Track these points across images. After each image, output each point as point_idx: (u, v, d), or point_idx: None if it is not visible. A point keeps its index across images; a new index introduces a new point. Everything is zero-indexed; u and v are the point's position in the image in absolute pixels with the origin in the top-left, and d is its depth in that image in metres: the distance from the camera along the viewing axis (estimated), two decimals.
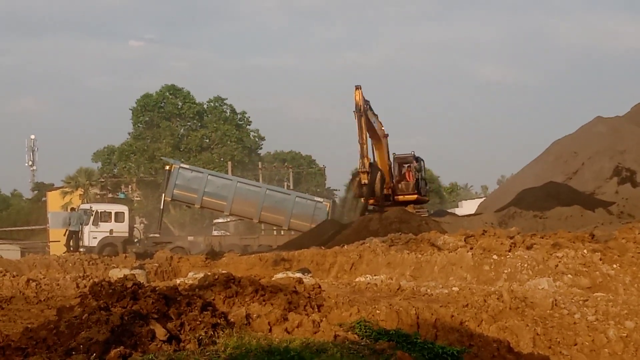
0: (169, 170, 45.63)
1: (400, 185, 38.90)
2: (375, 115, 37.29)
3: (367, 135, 35.51)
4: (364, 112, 35.18)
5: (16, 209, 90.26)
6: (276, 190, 49.81)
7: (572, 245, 18.65)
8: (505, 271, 17.76)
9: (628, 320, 12.23)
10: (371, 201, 37.74)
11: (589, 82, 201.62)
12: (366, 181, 35.25)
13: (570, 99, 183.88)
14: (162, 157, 64.30)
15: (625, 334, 11.94)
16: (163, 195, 46.70)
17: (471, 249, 19.62)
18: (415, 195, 38.72)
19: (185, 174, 45.65)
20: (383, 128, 38.18)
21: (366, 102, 35.91)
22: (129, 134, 78.56)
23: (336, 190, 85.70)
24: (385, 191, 37.97)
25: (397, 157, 39.77)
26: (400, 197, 38.52)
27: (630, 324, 12.11)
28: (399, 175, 39.42)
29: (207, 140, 78.14)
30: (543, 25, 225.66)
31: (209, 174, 47.30)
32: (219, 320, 8.43)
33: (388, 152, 38.69)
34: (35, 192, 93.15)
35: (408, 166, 39.60)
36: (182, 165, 47.64)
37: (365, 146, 35.08)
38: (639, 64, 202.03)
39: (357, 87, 35.30)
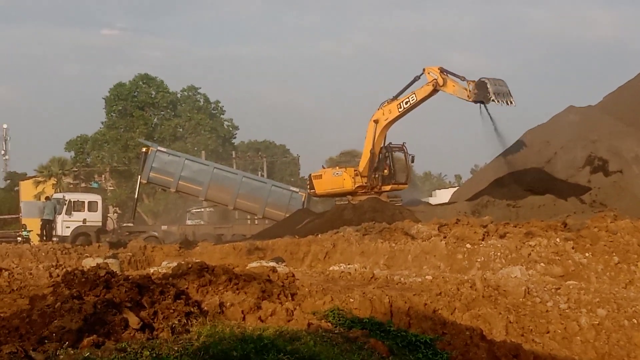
0: (146, 153, 45.46)
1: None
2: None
3: None
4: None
5: None
6: (253, 178, 49.81)
7: (544, 234, 18.79)
8: (479, 260, 17.86)
9: (600, 308, 12.32)
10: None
11: (562, 72, 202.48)
12: None
13: (543, 88, 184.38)
14: (139, 140, 63.85)
15: (597, 322, 12.03)
16: (139, 177, 46.55)
17: (445, 237, 19.72)
18: None
19: (162, 157, 45.49)
20: None
21: (444, 71, 36.18)
22: (102, 123, 77.91)
23: None
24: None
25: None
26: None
27: (602, 312, 12.20)
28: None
29: (181, 130, 77.71)
30: (517, 13, 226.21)
31: (186, 158, 47.16)
32: (192, 309, 8.40)
33: None
34: (8, 181, 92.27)
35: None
36: (159, 148, 47.35)
37: None
38: (611, 54, 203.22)
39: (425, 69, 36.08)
